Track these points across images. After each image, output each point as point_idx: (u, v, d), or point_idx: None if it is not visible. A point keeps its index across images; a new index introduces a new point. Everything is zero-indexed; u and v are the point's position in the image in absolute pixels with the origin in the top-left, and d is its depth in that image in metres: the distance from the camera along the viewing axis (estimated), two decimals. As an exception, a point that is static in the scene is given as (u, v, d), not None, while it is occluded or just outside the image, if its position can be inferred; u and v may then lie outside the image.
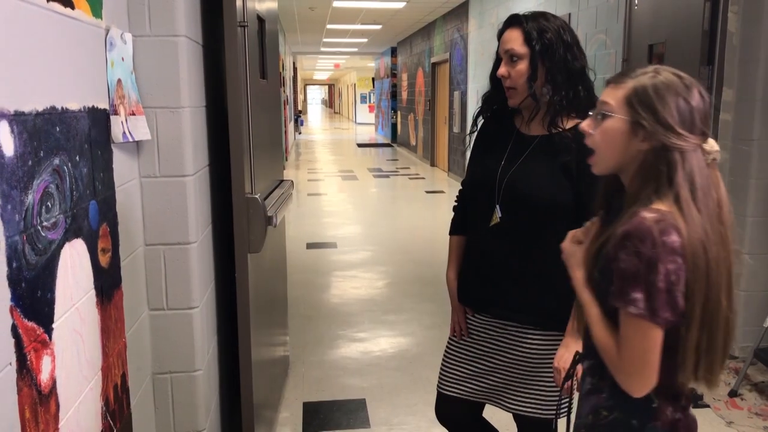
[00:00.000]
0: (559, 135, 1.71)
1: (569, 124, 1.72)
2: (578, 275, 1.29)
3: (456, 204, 2.00)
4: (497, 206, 1.76)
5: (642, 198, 1.19)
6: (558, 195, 1.70)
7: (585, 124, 1.30)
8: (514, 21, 1.73)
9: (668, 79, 1.20)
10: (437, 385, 1.96)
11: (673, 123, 1.17)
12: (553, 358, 1.75)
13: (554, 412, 1.80)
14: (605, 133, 1.25)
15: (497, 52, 1.78)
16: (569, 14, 5.81)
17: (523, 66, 1.69)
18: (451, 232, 1.99)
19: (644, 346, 1.15)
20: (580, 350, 1.69)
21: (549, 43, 1.67)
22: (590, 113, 1.32)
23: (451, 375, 1.92)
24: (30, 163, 1.19)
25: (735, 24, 3.50)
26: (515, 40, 1.70)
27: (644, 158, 1.20)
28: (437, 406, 1.98)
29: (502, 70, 1.73)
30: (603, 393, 1.28)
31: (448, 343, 1.96)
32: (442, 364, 1.96)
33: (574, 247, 1.33)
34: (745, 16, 3.45)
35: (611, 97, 1.25)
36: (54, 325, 1.28)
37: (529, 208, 1.72)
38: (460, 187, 1.99)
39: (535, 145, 1.76)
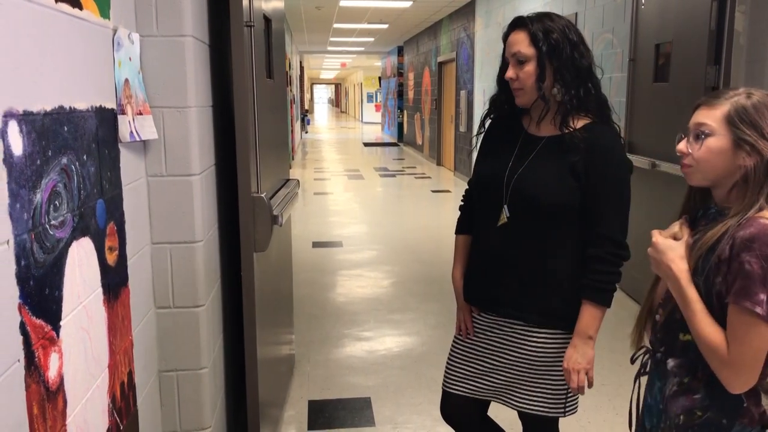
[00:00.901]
0: (570, 135, 1.71)
1: (579, 124, 1.73)
2: (683, 268, 1.33)
3: (462, 203, 2.00)
4: (504, 206, 1.77)
5: (753, 205, 1.26)
6: (565, 196, 1.70)
7: (682, 146, 1.36)
8: (518, 23, 1.73)
9: (763, 98, 1.30)
10: (442, 384, 1.96)
11: None
12: (558, 357, 1.76)
13: (560, 410, 1.81)
14: (709, 152, 1.32)
15: (503, 56, 1.78)
16: (576, 13, 5.80)
17: (530, 67, 1.69)
18: (457, 232, 1.99)
19: (759, 345, 1.21)
20: (588, 350, 1.69)
21: (555, 43, 1.68)
22: (681, 135, 1.37)
23: (456, 373, 1.93)
24: (38, 162, 1.21)
25: (742, 23, 3.49)
26: (521, 42, 1.70)
27: (749, 171, 1.28)
28: (442, 405, 1.99)
29: (510, 72, 1.73)
30: (697, 393, 1.32)
31: (454, 341, 1.97)
32: (447, 363, 1.96)
33: (671, 242, 1.37)
34: (752, 16, 3.44)
35: (708, 117, 1.32)
36: (62, 323, 1.29)
37: (536, 209, 1.73)
38: (467, 187, 2.00)
39: (542, 145, 1.76)
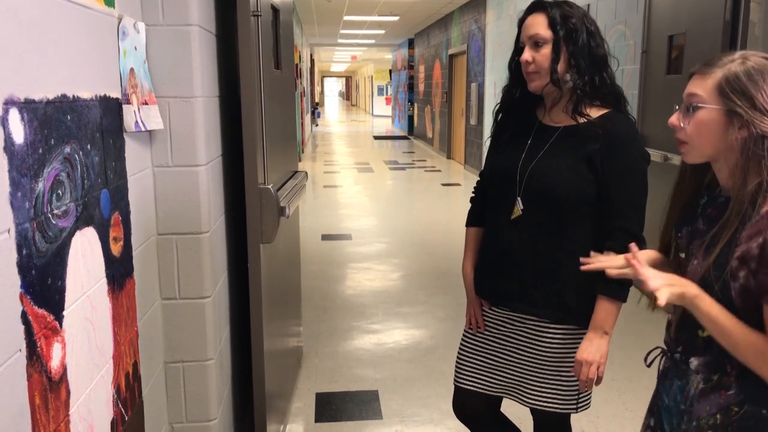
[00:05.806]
0: (586, 124, 1.69)
1: (595, 113, 1.70)
2: (693, 291, 1.20)
3: (474, 195, 1.97)
4: (518, 199, 1.74)
5: (759, 191, 1.16)
6: (581, 188, 1.67)
7: (674, 118, 1.27)
8: (537, 6, 1.70)
9: (759, 63, 1.18)
10: (454, 380, 1.93)
11: None
12: (571, 353, 1.73)
13: (572, 406, 1.78)
14: (699, 125, 1.22)
15: (517, 40, 1.75)
16: (588, 5, 5.73)
17: (547, 50, 1.67)
18: (468, 224, 1.96)
19: None
20: (604, 344, 1.65)
21: (573, 28, 1.66)
22: (676, 106, 1.28)
23: (467, 368, 1.90)
24: (40, 151, 1.20)
25: (757, 14, 3.43)
26: (539, 24, 1.67)
27: (745, 147, 1.17)
28: (454, 401, 1.96)
29: (527, 55, 1.69)
30: (730, 390, 1.24)
31: (464, 336, 1.94)
32: (457, 358, 1.93)
33: (671, 275, 1.25)
34: (767, 6, 3.38)
35: (700, 88, 1.23)
36: (65, 313, 1.28)
37: (551, 201, 1.70)
38: (478, 179, 1.97)
39: (557, 135, 1.73)
